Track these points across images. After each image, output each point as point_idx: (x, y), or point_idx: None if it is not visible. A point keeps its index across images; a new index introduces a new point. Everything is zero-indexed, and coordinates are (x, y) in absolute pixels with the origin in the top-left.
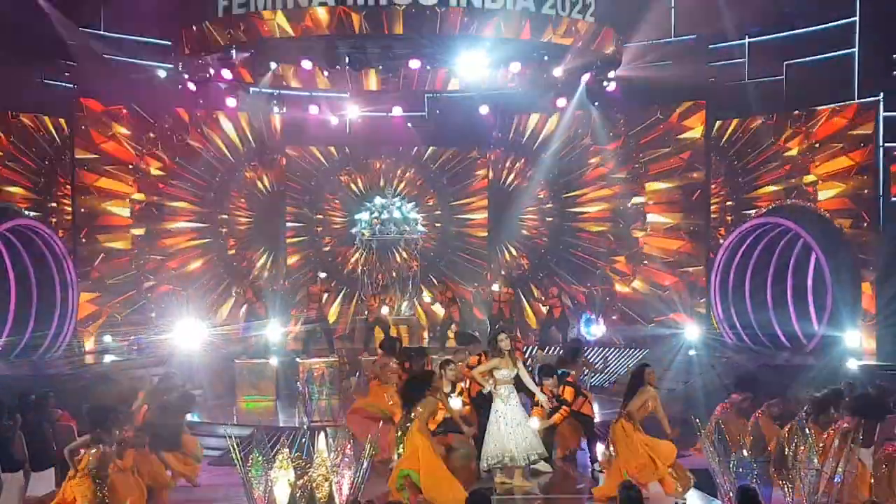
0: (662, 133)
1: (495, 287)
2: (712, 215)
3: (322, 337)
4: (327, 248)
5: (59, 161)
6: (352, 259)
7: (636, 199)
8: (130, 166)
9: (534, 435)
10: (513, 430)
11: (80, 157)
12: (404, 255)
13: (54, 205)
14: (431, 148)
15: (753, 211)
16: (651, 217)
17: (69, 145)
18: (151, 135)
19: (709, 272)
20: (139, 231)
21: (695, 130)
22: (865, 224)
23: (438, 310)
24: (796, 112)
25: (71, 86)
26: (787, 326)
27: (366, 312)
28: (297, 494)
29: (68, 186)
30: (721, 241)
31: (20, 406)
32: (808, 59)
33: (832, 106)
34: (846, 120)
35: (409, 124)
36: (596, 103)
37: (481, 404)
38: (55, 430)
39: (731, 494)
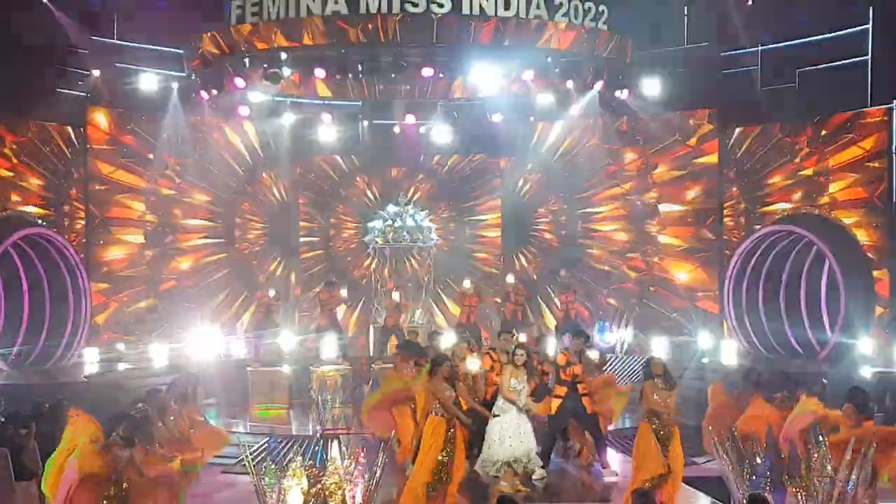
0: (680, 155)
1: (510, 279)
2: (725, 219)
3: (335, 345)
4: (341, 257)
5: (71, 170)
6: (365, 267)
7: (649, 195)
8: (141, 184)
9: (530, 444)
10: (510, 439)
11: (92, 168)
12: (417, 263)
13: (67, 213)
14: (444, 156)
15: (766, 216)
16: (663, 238)
17: (82, 155)
18: (163, 143)
19: (721, 279)
20: (152, 252)
21: (711, 156)
22: (879, 231)
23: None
24: (816, 119)
25: (84, 94)
26: (800, 334)
27: (379, 320)
28: (311, 503)
29: (81, 196)
30: (735, 248)
31: (34, 415)
32: (821, 66)
33: (846, 113)
34: (860, 127)
35: (422, 132)
36: (611, 109)
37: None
38: None
39: (744, 503)
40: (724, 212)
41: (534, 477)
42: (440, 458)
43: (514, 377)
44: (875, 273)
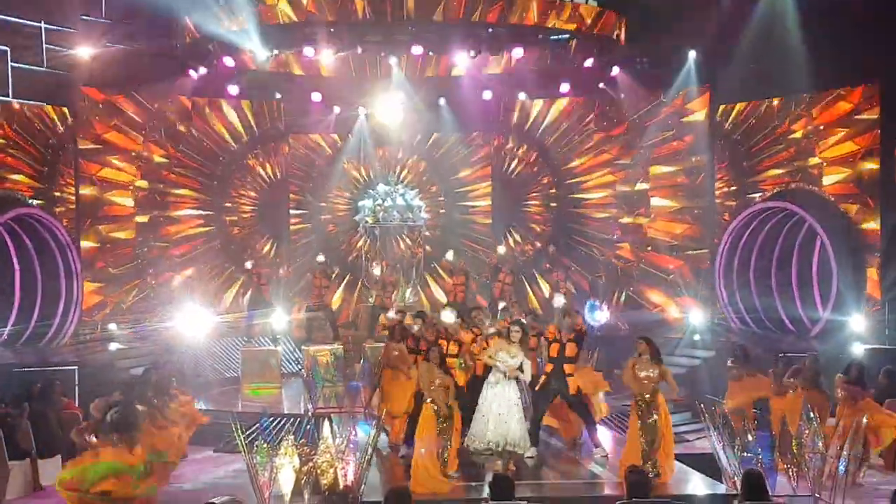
0: (666, 117)
1: (501, 249)
2: (716, 199)
3: (326, 324)
4: (331, 236)
5: (61, 150)
6: (356, 246)
7: (640, 186)
8: (133, 154)
9: (518, 425)
10: (495, 418)
11: (82, 147)
12: (408, 242)
13: (58, 194)
14: (435, 134)
15: (758, 195)
16: (655, 201)
17: (71, 134)
18: (153, 122)
19: (713, 256)
20: (143, 219)
21: (699, 114)
22: (870, 208)
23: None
24: (802, 95)
25: (71, 74)
26: (791, 311)
27: (370, 299)
28: (302, 481)
29: (71, 175)
30: (725, 225)
31: (26, 395)
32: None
33: (838, 90)
34: (851, 104)
35: (413, 110)
36: (600, 87)
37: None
38: (61, 418)
39: (735, 479)
40: (715, 184)
41: (525, 455)
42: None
43: (506, 352)
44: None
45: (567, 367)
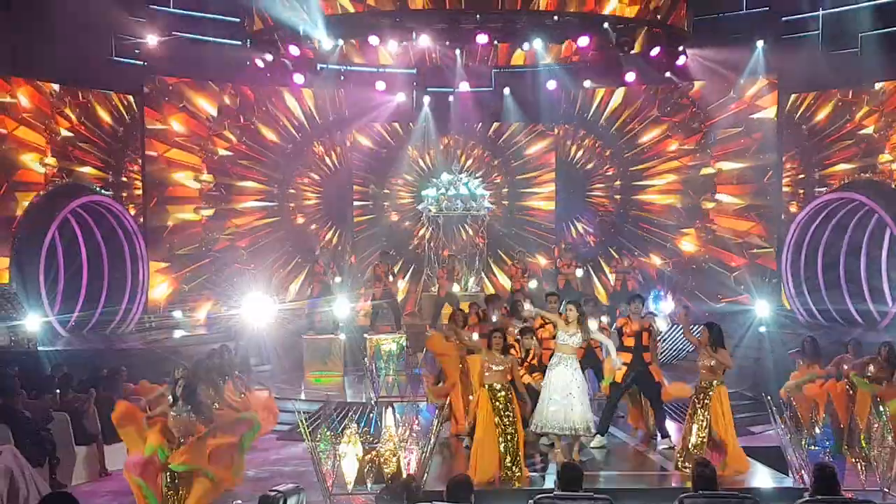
0: (735, 113)
1: (532, 283)
2: (784, 189)
3: (389, 313)
4: (394, 225)
5: (128, 138)
6: (419, 236)
7: (706, 170)
8: (198, 145)
9: (581, 408)
10: (557, 402)
11: (150, 133)
12: (471, 231)
13: (125, 179)
14: (498, 124)
15: (826, 189)
16: (721, 197)
17: (139, 123)
18: (219, 110)
19: (780, 248)
20: (208, 211)
21: (768, 110)
22: None
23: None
24: (875, 87)
25: (140, 63)
26: (860, 303)
27: (433, 288)
28: (365, 469)
29: (138, 162)
30: (792, 217)
31: (93, 380)
32: (883, 30)
33: None
34: None
35: (477, 100)
36: (666, 76)
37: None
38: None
39: (802, 472)
40: (783, 176)
41: (592, 445)
42: (499, 422)
43: (563, 331)
44: None
45: (646, 356)
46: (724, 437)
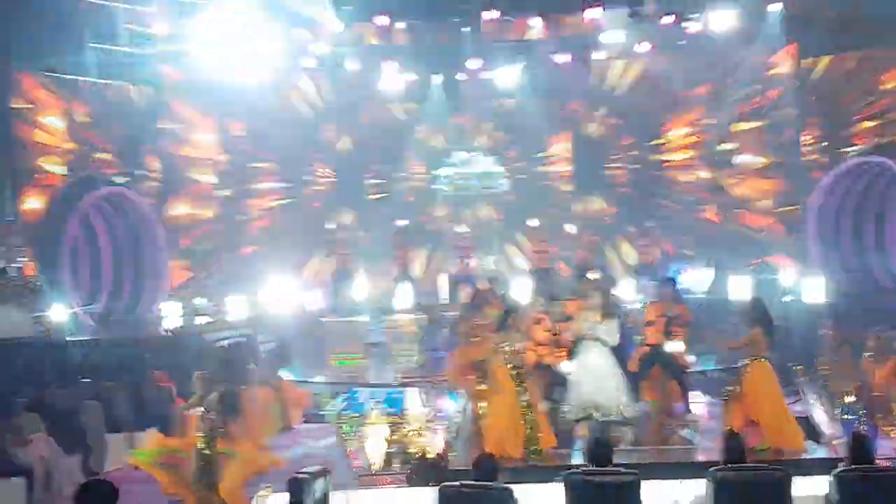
0: (751, 72)
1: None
2: (805, 156)
3: (409, 293)
4: (410, 205)
5: (143, 129)
6: (434, 215)
7: (725, 146)
8: (212, 131)
9: (615, 392)
10: (589, 382)
11: (162, 126)
12: (487, 209)
13: (140, 172)
14: (512, 100)
15: (849, 149)
16: (742, 158)
17: (152, 112)
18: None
19: (805, 215)
20: (226, 192)
21: (785, 67)
22: None
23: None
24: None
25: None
26: (889, 268)
27: (451, 268)
28: (391, 450)
29: (153, 153)
30: (816, 182)
31: (120, 369)
32: None
33: None
34: None
35: (489, 76)
36: (681, 43)
37: None
38: (153, 391)
39: (834, 442)
40: (805, 139)
41: (627, 414)
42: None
43: (586, 318)
44: None
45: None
46: (757, 416)
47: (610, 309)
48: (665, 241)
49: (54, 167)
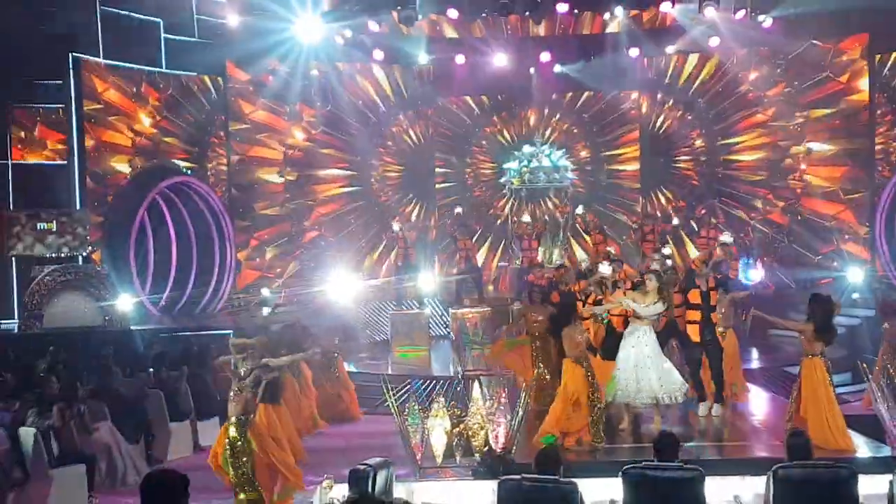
0: (828, 94)
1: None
2: (877, 151)
3: (473, 286)
4: (477, 198)
5: (212, 122)
6: (501, 209)
7: (796, 149)
8: (280, 126)
9: (666, 374)
10: (628, 371)
11: (232, 129)
12: (555, 202)
13: (211, 165)
14: (579, 93)
15: None
16: (812, 146)
17: (222, 105)
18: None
19: (873, 212)
20: (291, 176)
21: (861, 94)
22: None
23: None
24: None
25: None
26: None
27: (516, 261)
28: (454, 443)
29: (222, 146)
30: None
31: (184, 359)
32: None
33: None
34: None
35: (557, 70)
36: (751, 38)
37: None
38: (217, 381)
39: None
40: (876, 141)
41: (701, 413)
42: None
43: (634, 300)
44: None
45: (714, 317)
46: (805, 414)
47: (662, 294)
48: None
49: (121, 165)
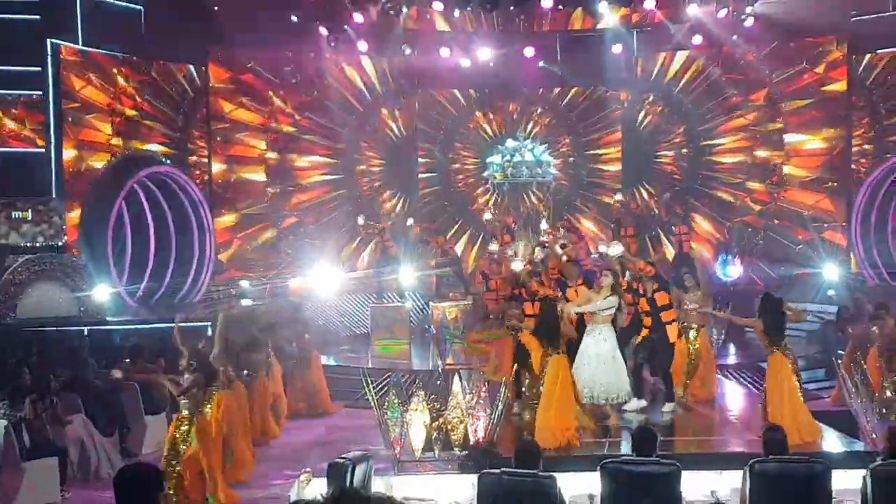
0: (806, 84)
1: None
2: (854, 148)
3: (457, 279)
4: (460, 192)
5: (194, 109)
6: (484, 202)
7: (773, 125)
8: (263, 118)
9: (609, 377)
10: (594, 368)
11: (213, 127)
12: (536, 198)
13: (193, 158)
14: (563, 89)
15: None
16: (788, 137)
17: (204, 93)
18: (281, 80)
19: (850, 211)
20: (273, 157)
21: (839, 83)
22: None
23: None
24: None
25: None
26: None
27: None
28: (433, 436)
29: (203, 139)
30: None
31: (161, 351)
32: None
33: None
34: None
35: (541, 65)
36: (734, 38)
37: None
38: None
39: (874, 436)
40: (853, 141)
41: (628, 407)
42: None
43: (589, 298)
44: None
45: (664, 316)
46: (777, 407)
47: (616, 290)
48: (710, 232)
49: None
